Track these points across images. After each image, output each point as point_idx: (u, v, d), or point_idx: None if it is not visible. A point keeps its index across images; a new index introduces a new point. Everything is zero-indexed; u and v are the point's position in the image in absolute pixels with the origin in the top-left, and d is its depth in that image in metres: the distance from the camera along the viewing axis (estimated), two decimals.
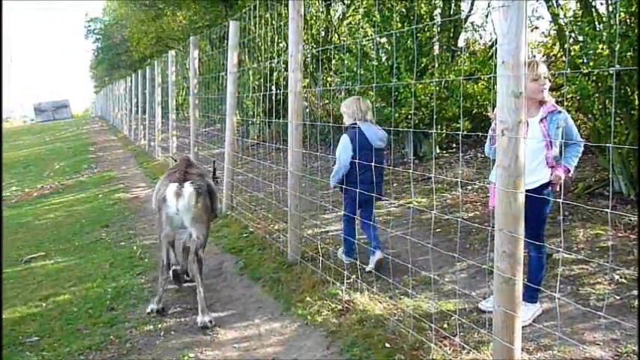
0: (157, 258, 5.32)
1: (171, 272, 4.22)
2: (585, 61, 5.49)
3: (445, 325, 3.44)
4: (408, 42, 8.02)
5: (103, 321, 4.03)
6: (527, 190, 2.45)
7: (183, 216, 3.89)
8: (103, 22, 34.02)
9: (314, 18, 12.92)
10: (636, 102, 5.48)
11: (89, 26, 34.24)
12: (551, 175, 3.37)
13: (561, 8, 6.66)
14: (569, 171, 3.43)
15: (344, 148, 4.50)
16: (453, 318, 3.44)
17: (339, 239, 5.23)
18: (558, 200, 2.55)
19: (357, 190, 4.12)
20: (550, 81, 3.47)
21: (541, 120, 3.33)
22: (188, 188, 3.86)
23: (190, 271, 4.56)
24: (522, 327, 2.61)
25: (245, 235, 5.85)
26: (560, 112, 3.34)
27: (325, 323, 3.60)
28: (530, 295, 3.47)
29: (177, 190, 3.85)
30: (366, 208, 4.68)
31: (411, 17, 8.15)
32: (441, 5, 9.18)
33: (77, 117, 54.82)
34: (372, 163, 3.91)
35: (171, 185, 3.91)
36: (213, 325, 3.80)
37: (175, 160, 5.05)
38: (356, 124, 4.52)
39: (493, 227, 2.44)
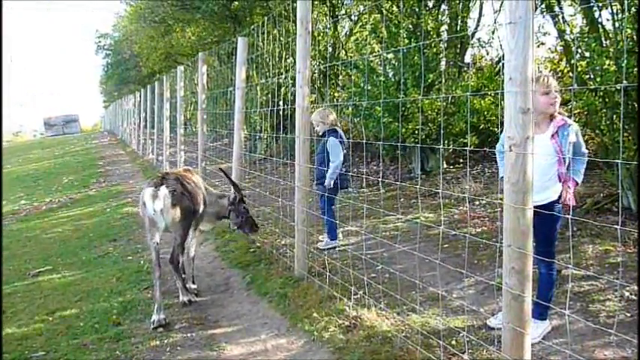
0: (164, 272, 5.32)
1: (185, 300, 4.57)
2: (592, 76, 5.49)
3: (454, 342, 3.41)
4: (415, 58, 8.06)
5: (110, 336, 4.03)
6: (537, 207, 2.44)
7: (162, 217, 4.12)
8: (113, 38, 34.42)
9: (321, 34, 13.02)
10: None
11: (99, 42, 34.67)
12: (563, 191, 3.34)
13: (568, 24, 6.68)
14: (578, 184, 3.41)
15: (339, 149, 5.43)
16: (461, 335, 3.41)
17: (346, 254, 5.22)
18: (567, 216, 2.54)
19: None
20: (560, 94, 3.46)
21: (552, 135, 3.31)
22: (163, 190, 4.12)
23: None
24: (532, 344, 2.59)
25: (252, 250, 5.84)
26: (570, 125, 3.31)
27: (332, 339, 3.58)
28: (540, 312, 3.43)
29: (153, 193, 4.12)
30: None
31: (418, 33, 8.20)
32: (448, 22, 9.24)
33: (86, 131, 55.25)
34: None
35: (147, 189, 4.19)
36: (191, 302, 4.40)
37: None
38: (335, 129, 5.57)
39: (501, 243, 2.42)
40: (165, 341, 3.88)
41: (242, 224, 5.06)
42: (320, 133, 5.66)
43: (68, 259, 6.45)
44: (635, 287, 3.97)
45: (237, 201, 4.99)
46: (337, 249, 5.61)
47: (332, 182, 5.43)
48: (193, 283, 4.91)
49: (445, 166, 9.18)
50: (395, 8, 9.52)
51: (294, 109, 4.70)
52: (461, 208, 6.91)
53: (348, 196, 7.88)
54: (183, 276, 4.62)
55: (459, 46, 9.23)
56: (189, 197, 4.32)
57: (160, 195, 4.09)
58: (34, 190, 13.68)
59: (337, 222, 5.74)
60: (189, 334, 3.98)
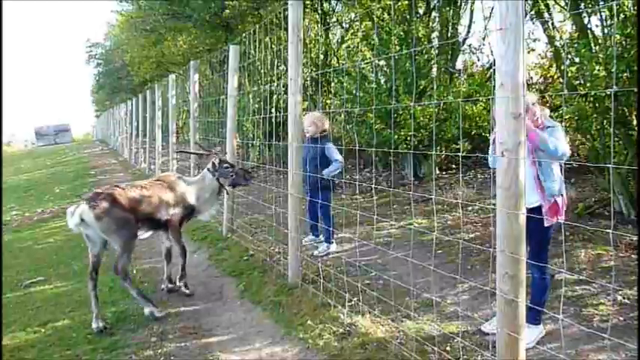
0: (157, 281, 5.29)
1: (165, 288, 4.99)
2: (582, 82, 5.54)
3: (448, 348, 3.41)
4: (407, 64, 8.10)
5: (103, 346, 3.99)
6: (528, 210, 2.45)
7: (85, 231, 4.35)
8: (104, 47, 34.37)
9: (313, 42, 13.06)
10: (634, 122, 5.51)
11: (90, 51, 34.62)
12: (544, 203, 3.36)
13: (557, 30, 6.75)
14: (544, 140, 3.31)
15: (338, 151, 5.60)
16: (455, 341, 3.41)
17: (340, 261, 5.22)
18: (559, 221, 2.56)
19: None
20: (540, 103, 3.47)
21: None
22: (80, 208, 4.24)
23: (173, 276, 5.16)
24: (526, 349, 2.59)
25: (245, 258, 5.83)
26: (548, 127, 3.34)
27: (327, 347, 3.57)
28: (534, 317, 3.44)
29: (71, 210, 4.29)
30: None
31: (409, 40, 8.24)
32: (439, 28, 9.30)
33: (78, 141, 54.96)
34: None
35: (70, 208, 4.35)
36: (155, 318, 4.34)
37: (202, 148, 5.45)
38: (327, 135, 5.69)
39: (495, 248, 2.43)
40: (159, 351, 3.85)
41: (235, 182, 5.23)
42: (309, 136, 5.69)
43: (60, 270, 6.40)
44: (628, 291, 3.99)
45: (216, 167, 5.08)
46: (331, 255, 5.61)
47: (330, 175, 5.56)
48: (171, 281, 5.16)
49: (438, 172, 9.21)
50: (386, 15, 9.58)
51: (287, 116, 4.70)
52: (454, 213, 6.93)
53: (342, 203, 7.89)
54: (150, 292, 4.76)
55: (450, 52, 9.29)
56: (122, 209, 4.34)
57: (76, 212, 4.24)
58: (26, 200, 13.57)
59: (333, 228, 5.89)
60: (183, 344, 3.96)
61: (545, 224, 3.32)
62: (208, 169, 5.11)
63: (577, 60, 5.71)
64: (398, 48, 8.29)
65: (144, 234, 4.83)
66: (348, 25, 13.39)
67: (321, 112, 5.90)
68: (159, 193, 4.73)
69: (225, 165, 5.17)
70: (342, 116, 10.12)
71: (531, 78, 8.97)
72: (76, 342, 4.14)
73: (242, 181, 5.28)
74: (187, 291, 4.97)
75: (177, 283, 5.05)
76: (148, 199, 4.61)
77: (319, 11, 12.65)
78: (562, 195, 3.41)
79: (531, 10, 7.32)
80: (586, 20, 5.92)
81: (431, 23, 9.28)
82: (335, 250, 5.78)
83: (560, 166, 3.38)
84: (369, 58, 9.62)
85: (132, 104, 20.35)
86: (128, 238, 4.39)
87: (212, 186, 5.11)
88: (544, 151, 3.23)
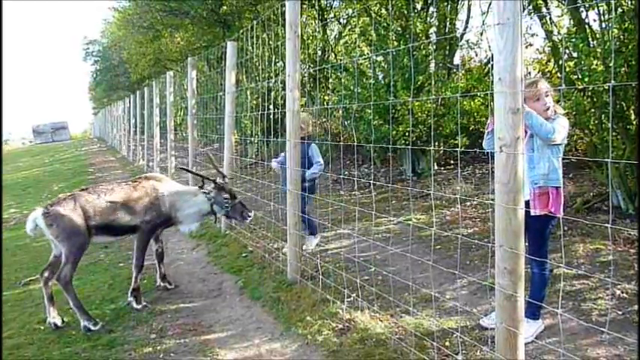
0: (155, 279, 5.29)
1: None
2: (580, 77, 5.53)
3: (447, 343, 3.42)
4: (405, 60, 8.08)
5: (102, 343, 4.00)
6: (527, 202, 2.45)
7: (44, 234, 4.41)
8: (102, 44, 34.30)
9: (311, 38, 13.02)
10: (632, 117, 5.51)
11: (87, 48, 34.56)
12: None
13: (555, 25, 6.74)
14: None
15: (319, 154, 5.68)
16: (454, 336, 3.42)
17: (339, 257, 5.22)
18: (558, 215, 2.56)
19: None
20: (552, 94, 3.46)
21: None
22: (34, 214, 4.37)
23: (168, 277, 5.20)
24: (525, 344, 2.59)
25: (244, 254, 5.83)
26: (554, 119, 3.32)
27: (326, 343, 3.57)
28: (532, 312, 3.45)
29: (30, 216, 4.40)
30: None
31: (407, 36, 8.23)
32: (437, 24, 9.28)
33: (76, 138, 54.89)
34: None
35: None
36: (87, 331, 4.20)
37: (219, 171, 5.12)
38: (310, 134, 5.69)
39: (493, 243, 2.43)
40: (159, 347, 3.86)
41: (229, 214, 4.88)
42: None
43: None
44: (627, 285, 4.00)
45: (215, 193, 4.79)
46: (329, 252, 5.61)
47: (313, 177, 5.60)
48: (165, 279, 5.20)
49: (436, 167, 9.21)
50: (384, 11, 9.55)
51: (285, 112, 4.70)
52: (452, 209, 6.93)
53: (340, 199, 7.89)
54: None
55: (447, 47, 9.27)
56: (73, 218, 4.32)
57: (30, 218, 4.37)
58: (24, 198, 13.56)
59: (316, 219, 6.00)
60: (182, 340, 3.96)
61: (531, 213, 3.24)
62: (206, 193, 4.79)
63: (575, 55, 5.70)
64: (396, 43, 8.28)
65: (108, 239, 4.76)
66: (345, 21, 13.36)
67: (309, 110, 5.86)
68: (127, 199, 4.57)
69: (225, 195, 4.81)
70: (340, 112, 10.10)
71: (529, 73, 8.96)
72: (75, 339, 4.14)
73: (237, 216, 4.89)
74: (138, 306, 4.65)
75: (129, 297, 4.74)
76: (111, 206, 4.50)
77: (317, 7, 12.62)
78: (556, 187, 3.29)
79: (529, 5, 7.30)
80: (584, 15, 5.91)
81: (428, 18, 9.25)
82: (319, 242, 5.88)
83: (558, 158, 3.32)
84: (367, 53, 9.60)
85: (129, 101, 20.31)
86: (75, 248, 4.34)
87: (201, 205, 4.81)
88: (536, 133, 3.19)
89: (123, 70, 29.66)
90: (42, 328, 4.43)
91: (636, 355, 3.11)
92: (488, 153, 3.50)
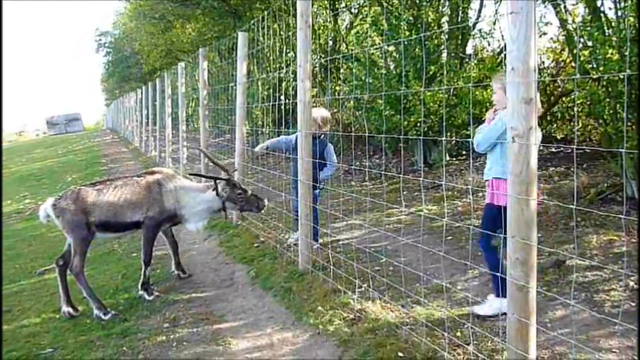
0: (168, 268, 5.34)
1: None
2: (595, 66, 5.47)
3: (458, 334, 3.42)
4: (416, 50, 8.03)
5: (116, 332, 4.05)
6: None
7: (55, 224, 4.57)
8: (113, 35, 34.41)
9: (322, 28, 12.98)
10: None
11: (100, 40, 34.69)
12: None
13: (570, 14, 6.65)
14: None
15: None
16: (466, 326, 3.42)
17: (350, 247, 5.23)
18: (571, 206, 2.53)
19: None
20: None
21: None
22: (45, 204, 4.53)
23: (182, 265, 5.28)
24: (537, 334, 2.59)
25: (256, 244, 5.86)
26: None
27: (337, 332, 3.59)
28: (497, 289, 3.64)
29: (42, 206, 4.57)
30: None
31: (419, 25, 8.16)
32: (449, 13, 9.19)
33: (88, 129, 55.27)
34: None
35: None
36: (100, 320, 4.28)
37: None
38: (327, 133, 5.55)
39: (505, 234, 2.42)
40: (172, 336, 3.90)
41: (244, 207, 4.92)
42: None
43: None
44: None
45: (228, 190, 4.76)
46: (341, 242, 5.62)
47: (325, 178, 5.57)
48: (180, 268, 5.25)
49: (448, 158, 9.17)
50: (395, 0, 9.48)
51: (296, 103, 4.69)
52: (464, 199, 6.91)
53: (352, 190, 7.89)
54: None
55: (460, 37, 9.19)
56: (75, 211, 4.41)
57: (42, 208, 4.55)
58: (38, 189, 13.71)
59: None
60: (195, 329, 4.00)
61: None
62: (217, 190, 4.72)
63: (589, 43, 5.63)
64: (407, 33, 8.22)
65: (110, 235, 4.82)
66: (356, 11, 13.27)
67: (327, 103, 5.76)
68: (129, 195, 4.56)
69: (238, 191, 4.80)
70: (352, 102, 10.07)
71: (543, 62, 8.87)
72: (90, 328, 4.20)
73: (253, 208, 4.93)
74: (150, 297, 4.67)
75: (140, 291, 4.74)
76: (112, 203, 4.51)
77: None
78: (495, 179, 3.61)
79: None
80: (599, 3, 5.82)
81: (441, 8, 9.17)
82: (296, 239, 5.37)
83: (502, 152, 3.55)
84: (379, 43, 9.54)
85: (142, 92, 20.40)
86: (80, 239, 4.45)
87: (210, 203, 4.78)
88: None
89: (135, 61, 29.80)
90: (57, 316, 4.50)
91: None
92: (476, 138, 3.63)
